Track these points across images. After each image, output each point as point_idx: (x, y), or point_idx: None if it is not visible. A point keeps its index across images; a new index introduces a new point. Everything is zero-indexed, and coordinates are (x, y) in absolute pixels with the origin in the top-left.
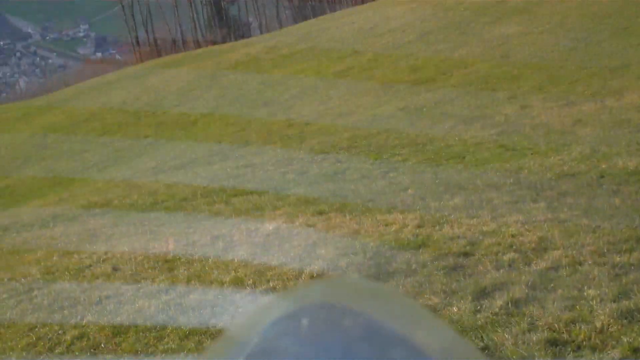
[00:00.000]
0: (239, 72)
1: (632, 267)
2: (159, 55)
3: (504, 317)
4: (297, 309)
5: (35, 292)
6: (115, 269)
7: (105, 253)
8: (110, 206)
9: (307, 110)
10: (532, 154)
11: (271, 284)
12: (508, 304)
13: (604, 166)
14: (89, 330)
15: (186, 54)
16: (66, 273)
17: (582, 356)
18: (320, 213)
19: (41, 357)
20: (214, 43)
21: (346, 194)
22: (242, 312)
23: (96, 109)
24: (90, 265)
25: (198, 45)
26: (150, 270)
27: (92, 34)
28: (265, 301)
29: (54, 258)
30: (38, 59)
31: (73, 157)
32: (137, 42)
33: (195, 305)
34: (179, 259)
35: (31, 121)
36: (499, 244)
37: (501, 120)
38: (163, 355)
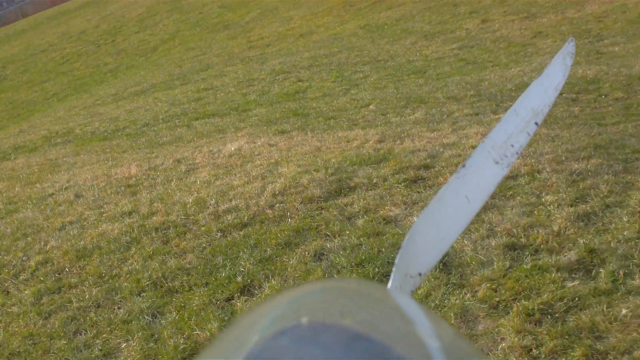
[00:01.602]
0: None
1: (589, 173)
2: None
3: None
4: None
5: None
6: (77, 196)
7: (68, 181)
8: (72, 135)
9: (267, 31)
10: (492, 66)
11: (233, 203)
12: None
13: None
14: (52, 255)
15: None
16: (28, 202)
17: (539, 259)
18: (282, 132)
19: (6, 283)
20: None
21: (308, 112)
22: (242, 312)
23: (55, 39)
24: (53, 194)
25: None
26: (112, 196)
27: None
28: (264, 302)
29: (16, 189)
30: None
31: (32, 88)
32: None
33: (158, 227)
34: (142, 183)
35: None
36: (459, 156)
37: (462, 35)
38: (127, 275)
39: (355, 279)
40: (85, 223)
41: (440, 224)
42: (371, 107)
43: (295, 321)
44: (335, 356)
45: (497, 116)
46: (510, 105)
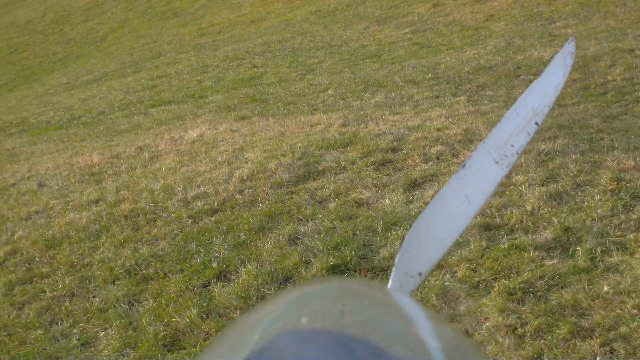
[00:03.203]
0: None
1: (557, 153)
2: None
3: None
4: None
5: None
6: (41, 185)
7: (29, 170)
8: (26, 124)
9: (218, 18)
10: (447, 49)
11: (202, 189)
12: None
13: (519, 57)
14: (21, 245)
15: None
16: None
17: (516, 238)
18: (243, 118)
19: None
20: None
21: (266, 98)
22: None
23: (1, 28)
24: (15, 184)
25: None
26: (77, 184)
27: None
28: (265, 302)
29: None
30: None
31: None
32: None
33: (127, 215)
34: (105, 171)
35: None
36: (426, 138)
37: (414, 19)
38: (100, 264)
39: (355, 278)
40: (51, 212)
41: (440, 223)
42: (329, 91)
43: (295, 321)
44: (335, 356)
45: (457, 99)
46: (470, 88)
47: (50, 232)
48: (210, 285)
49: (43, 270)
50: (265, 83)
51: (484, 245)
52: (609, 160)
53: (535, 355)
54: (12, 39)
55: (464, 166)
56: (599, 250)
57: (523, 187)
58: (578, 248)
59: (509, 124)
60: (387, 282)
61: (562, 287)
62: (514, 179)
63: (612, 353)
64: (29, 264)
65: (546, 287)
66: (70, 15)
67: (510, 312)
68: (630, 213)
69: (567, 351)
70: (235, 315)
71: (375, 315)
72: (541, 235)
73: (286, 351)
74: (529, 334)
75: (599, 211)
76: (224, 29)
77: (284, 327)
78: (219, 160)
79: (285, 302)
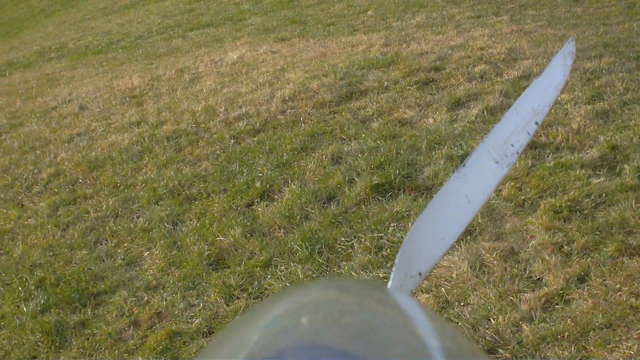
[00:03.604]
0: None
1: (603, 72)
2: None
3: (481, 124)
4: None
5: (4, 136)
6: (82, 108)
7: (69, 94)
8: (65, 50)
9: None
10: None
11: (244, 110)
12: (483, 112)
13: None
14: (64, 167)
15: None
16: (32, 116)
17: (561, 157)
18: (282, 40)
19: (20, 197)
20: None
21: (305, 20)
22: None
23: None
24: (56, 107)
25: None
26: (118, 107)
27: None
28: (265, 301)
29: (17, 103)
30: None
31: (18, 5)
32: None
33: (169, 136)
34: (146, 93)
35: None
36: (469, 57)
37: None
38: (143, 184)
39: (355, 278)
40: (93, 134)
41: (441, 223)
42: (369, 12)
43: (295, 321)
44: (333, 355)
45: (499, 18)
46: (512, 7)
47: (93, 154)
48: (253, 205)
49: (86, 191)
50: (303, 5)
51: (530, 164)
52: None
53: (582, 273)
54: None
55: (464, 166)
56: None
57: (569, 105)
58: (625, 166)
59: (509, 123)
60: (387, 282)
61: (609, 205)
62: (559, 97)
63: None
64: (73, 185)
65: (593, 205)
66: None
67: (556, 230)
68: None
69: (614, 269)
70: (279, 234)
71: (375, 315)
72: (587, 153)
73: (285, 351)
74: (575, 252)
75: None
76: None
77: (284, 327)
78: (260, 81)
79: (285, 302)
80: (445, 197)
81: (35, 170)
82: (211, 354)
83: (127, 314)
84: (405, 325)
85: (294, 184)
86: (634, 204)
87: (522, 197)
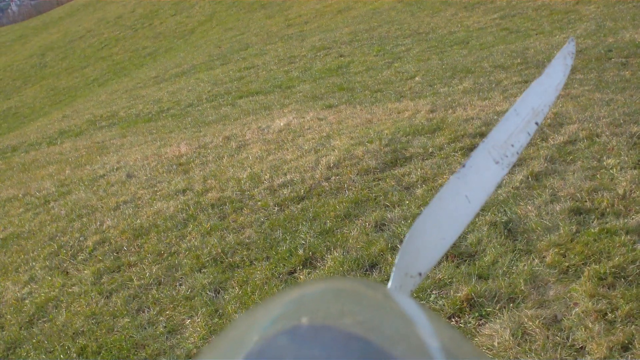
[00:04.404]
0: None
1: None
2: None
3: (525, 190)
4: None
5: (52, 204)
6: (129, 176)
7: (118, 162)
8: (116, 118)
9: (305, 9)
10: (536, 34)
11: (288, 177)
12: (528, 178)
13: (610, 40)
14: (109, 235)
15: None
16: (80, 184)
17: (606, 222)
18: (330, 106)
19: (65, 264)
20: None
21: (353, 87)
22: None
23: (92, 25)
24: (104, 175)
25: None
26: (165, 174)
27: None
28: (264, 301)
29: (67, 172)
30: None
31: (73, 74)
32: None
33: (214, 203)
34: (193, 161)
35: (27, 42)
36: None
37: (503, 4)
38: (186, 252)
39: (355, 278)
40: (139, 202)
41: (441, 223)
42: (417, 78)
43: (295, 321)
44: (334, 356)
45: None
46: None
47: (138, 221)
48: (295, 273)
49: (131, 259)
50: (352, 72)
51: (574, 230)
52: None
53: (626, 341)
54: (103, 34)
55: (464, 166)
56: None
57: (614, 170)
58: None
59: (509, 123)
60: (387, 282)
61: None
62: (604, 162)
63: None
64: (117, 253)
65: (638, 271)
66: (159, 10)
67: (600, 297)
68: None
69: None
70: None
71: (375, 315)
72: (633, 219)
73: (285, 351)
74: (619, 319)
75: None
76: (310, 19)
77: (283, 327)
78: (306, 148)
79: (284, 302)
80: (445, 198)
81: (81, 238)
82: (211, 354)
83: None
84: (405, 326)
85: (336, 252)
86: None
87: (566, 264)
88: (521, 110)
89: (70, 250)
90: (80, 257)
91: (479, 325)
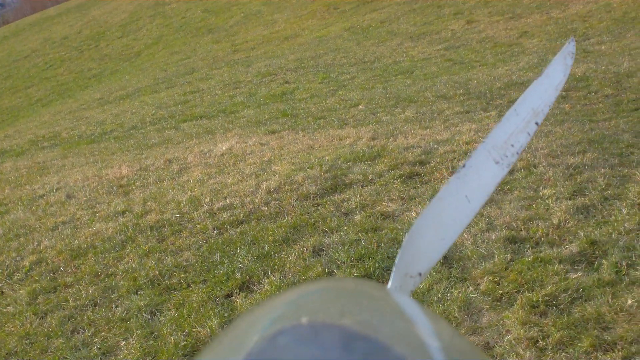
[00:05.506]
0: (182, 0)
1: (586, 167)
2: None
3: None
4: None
5: None
6: (69, 197)
7: (58, 182)
8: (59, 139)
9: (252, 35)
10: (479, 66)
11: (228, 201)
12: None
13: None
14: (46, 255)
15: None
16: (19, 204)
17: (541, 251)
18: (273, 132)
19: (0, 284)
20: None
21: (297, 113)
22: (242, 310)
23: (37, 44)
24: (43, 195)
25: None
26: (105, 196)
27: None
28: (264, 301)
29: (6, 191)
30: None
31: (16, 94)
32: None
33: (153, 225)
34: (134, 183)
35: None
36: (454, 152)
37: (448, 36)
38: (123, 274)
39: (355, 278)
40: (78, 223)
41: (440, 223)
42: (360, 106)
43: (295, 321)
44: (334, 356)
45: (487, 114)
46: (501, 103)
47: (76, 242)
48: (232, 296)
49: (67, 279)
50: (296, 98)
51: (509, 258)
52: (638, 174)
53: None
54: (48, 54)
55: (464, 166)
56: (624, 263)
57: (550, 200)
58: (603, 261)
59: (509, 124)
60: (387, 282)
61: (585, 300)
62: (541, 193)
63: None
64: (54, 273)
65: (569, 300)
66: (106, 32)
67: (532, 325)
68: None
69: None
70: None
71: (375, 315)
72: (566, 248)
73: (286, 351)
74: (550, 347)
75: (626, 225)
76: (257, 45)
77: (283, 326)
78: (247, 172)
79: (284, 302)
80: (445, 198)
81: (17, 258)
82: (210, 355)
83: None
84: (405, 325)
85: (273, 276)
86: (610, 299)
87: (500, 292)
88: (521, 110)
89: (6, 270)
90: (16, 277)
91: None
